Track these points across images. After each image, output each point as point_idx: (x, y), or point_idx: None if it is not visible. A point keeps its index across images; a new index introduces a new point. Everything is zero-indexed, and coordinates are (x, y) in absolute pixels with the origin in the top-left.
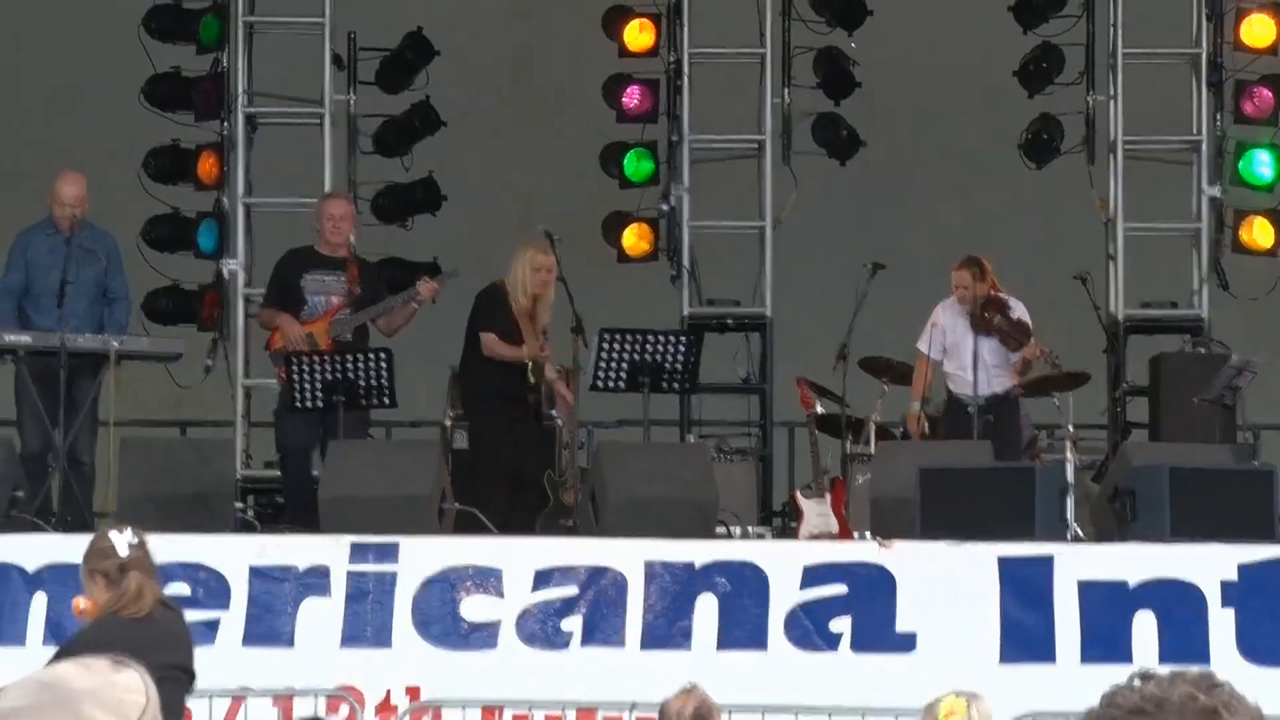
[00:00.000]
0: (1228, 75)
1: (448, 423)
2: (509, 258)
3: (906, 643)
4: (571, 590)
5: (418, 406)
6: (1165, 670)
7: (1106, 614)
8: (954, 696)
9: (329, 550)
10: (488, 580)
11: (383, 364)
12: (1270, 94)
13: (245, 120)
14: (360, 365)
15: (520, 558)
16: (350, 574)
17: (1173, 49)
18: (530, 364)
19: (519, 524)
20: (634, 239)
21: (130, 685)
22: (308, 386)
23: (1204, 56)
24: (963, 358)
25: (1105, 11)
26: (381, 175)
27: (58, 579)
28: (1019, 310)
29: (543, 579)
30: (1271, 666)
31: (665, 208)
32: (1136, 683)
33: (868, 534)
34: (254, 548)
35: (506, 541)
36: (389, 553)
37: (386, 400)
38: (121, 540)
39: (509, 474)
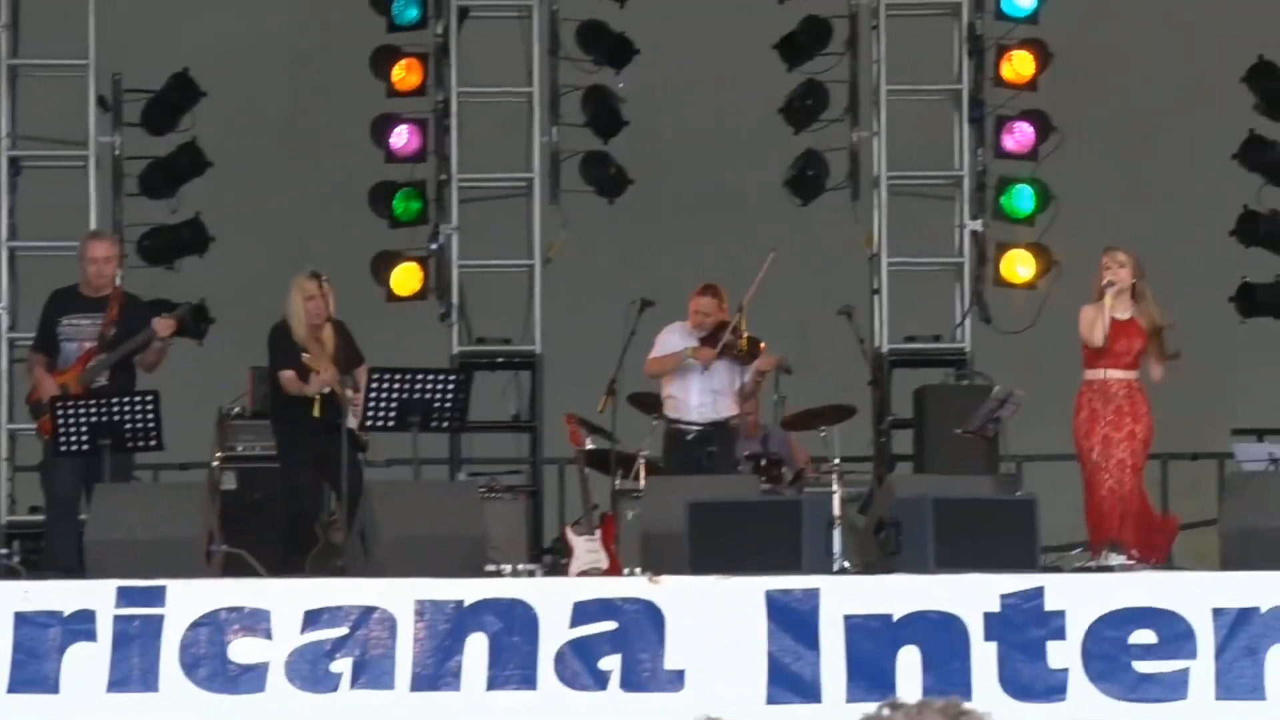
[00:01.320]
0: (989, 111)
1: (215, 464)
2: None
3: (675, 680)
4: (341, 631)
5: (186, 448)
6: (914, 699)
7: (872, 648)
8: None
9: (94, 595)
10: (256, 622)
11: (149, 406)
12: (1030, 128)
13: (9, 164)
14: (126, 408)
15: (289, 599)
16: (117, 618)
17: (935, 85)
18: (317, 400)
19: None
20: (403, 278)
21: None
22: (73, 430)
23: (965, 92)
24: (686, 382)
25: (868, 48)
26: (148, 217)
27: None
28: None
29: (312, 620)
30: (1029, 701)
31: (434, 246)
32: (886, 712)
33: (638, 570)
34: (18, 594)
35: (274, 583)
36: (156, 596)
37: (153, 443)
38: None
39: (311, 510)
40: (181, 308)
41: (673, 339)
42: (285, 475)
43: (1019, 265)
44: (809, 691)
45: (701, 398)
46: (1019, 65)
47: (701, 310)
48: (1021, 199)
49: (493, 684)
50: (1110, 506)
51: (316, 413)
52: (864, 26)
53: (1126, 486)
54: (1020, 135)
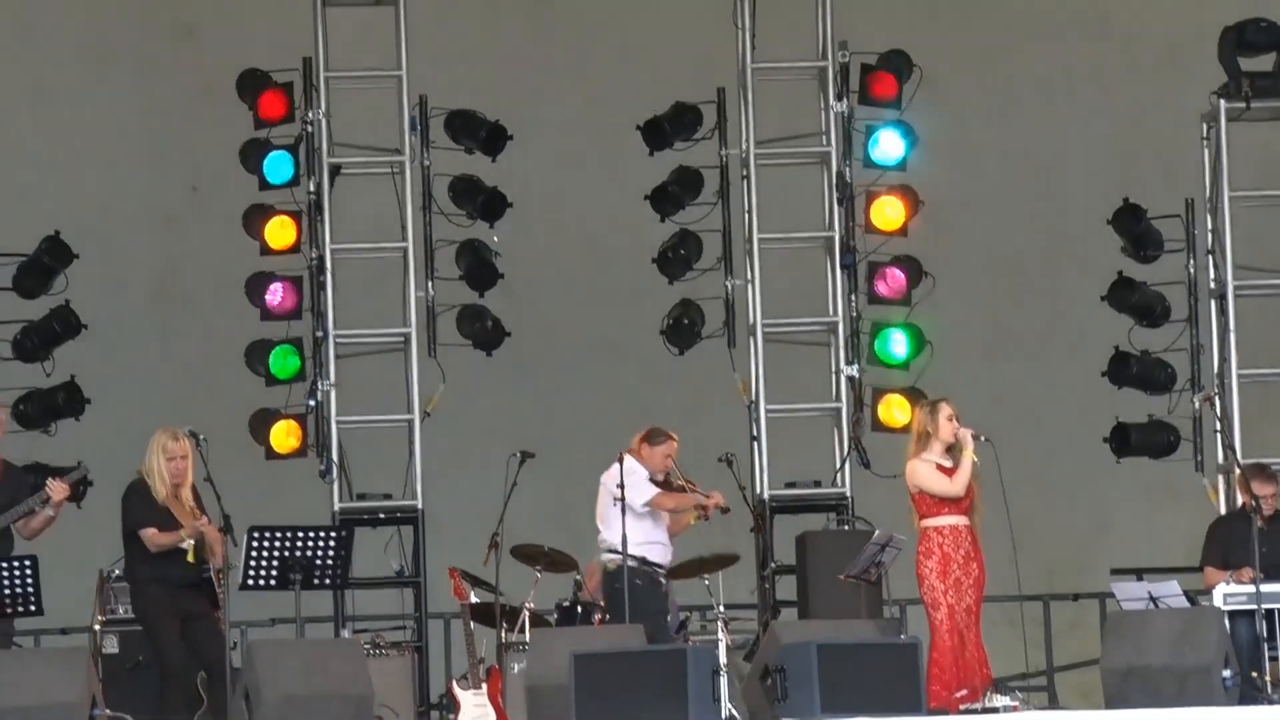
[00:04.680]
0: (860, 257)
1: (96, 628)
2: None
3: None
4: None
5: (65, 612)
6: None
7: None
8: None
9: None
10: None
11: (27, 572)
12: (902, 274)
13: None
14: (5, 573)
15: None
16: None
17: (806, 233)
18: (191, 547)
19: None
20: (282, 436)
21: None
22: None
23: (837, 239)
24: (660, 527)
25: (740, 197)
26: (22, 381)
27: None
28: None
29: None
30: None
31: (312, 403)
32: None
33: None
34: None
35: None
36: None
37: (33, 608)
38: None
39: (183, 669)
40: (74, 474)
41: (644, 478)
42: (153, 635)
43: (896, 410)
44: None
45: (669, 544)
46: (889, 212)
47: (672, 454)
48: (895, 344)
49: None
50: (958, 651)
51: (190, 558)
52: (735, 176)
53: (972, 632)
54: (892, 281)
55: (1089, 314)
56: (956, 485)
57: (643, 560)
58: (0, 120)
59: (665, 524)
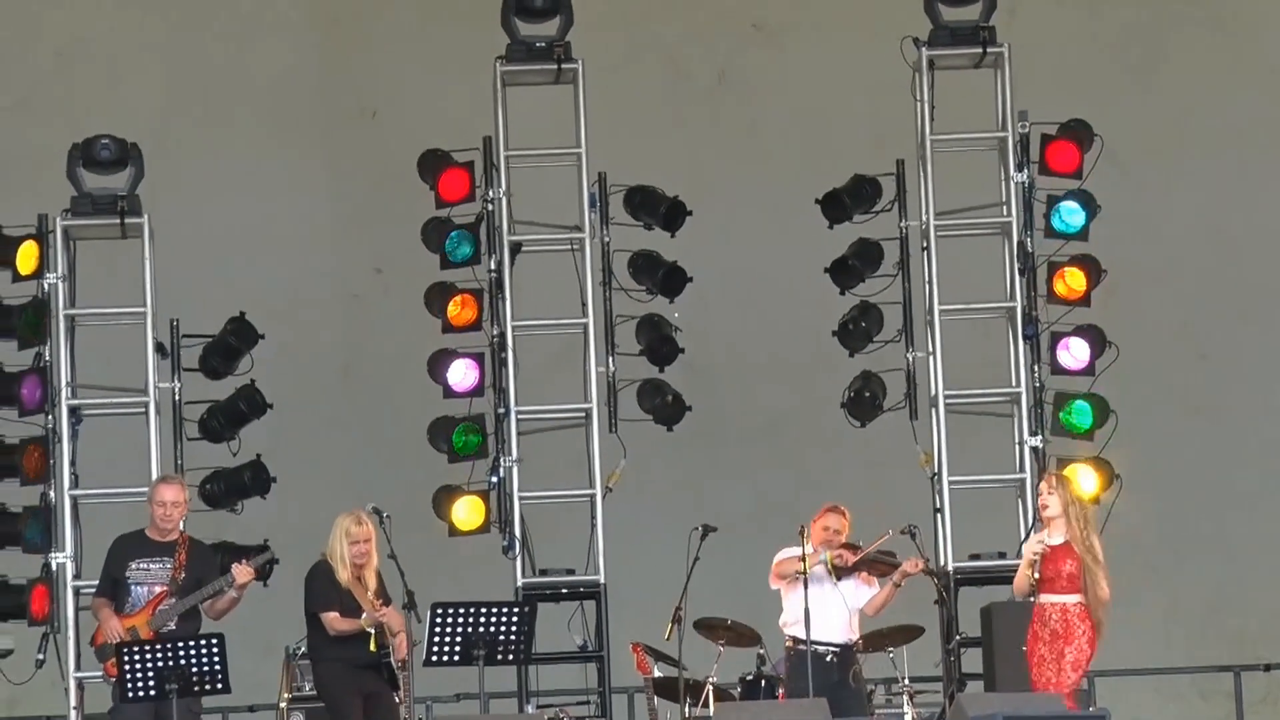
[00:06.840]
0: (1043, 327)
1: (283, 705)
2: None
3: None
4: None
5: (253, 690)
6: None
7: None
8: None
9: None
10: None
11: (214, 650)
12: (1085, 344)
13: (69, 412)
14: (192, 652)
15: None
16: None
17: (988, 303)
18: (372, 634)
19: None
20: (466, 512)
21: None
22: (139, 676)
23: (1019, 310)
24: (825, 598)
25: (920, 269)
26: (209, 460)
27: None
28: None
29: None
30: None
31: (495, 480)
32: None
33: None
34: None
35: None
36: None
37: (220, 686)
38: None
39: None
40: (260, 556)
41: (788, 557)
42: (336, 713)
43: (1081, 480)
44: None
45: (840, 618)
46: (1071, 282)
47: (831, 526)
48: (1080, 414)
49: None
50: None
51: (372, 647)
52: (915, 248)
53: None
54: (1075, 351)
55: (1275, 380)
56: (1017, 579)
57: (793, 638)
58: (185, 203)
59: (831, 600)
